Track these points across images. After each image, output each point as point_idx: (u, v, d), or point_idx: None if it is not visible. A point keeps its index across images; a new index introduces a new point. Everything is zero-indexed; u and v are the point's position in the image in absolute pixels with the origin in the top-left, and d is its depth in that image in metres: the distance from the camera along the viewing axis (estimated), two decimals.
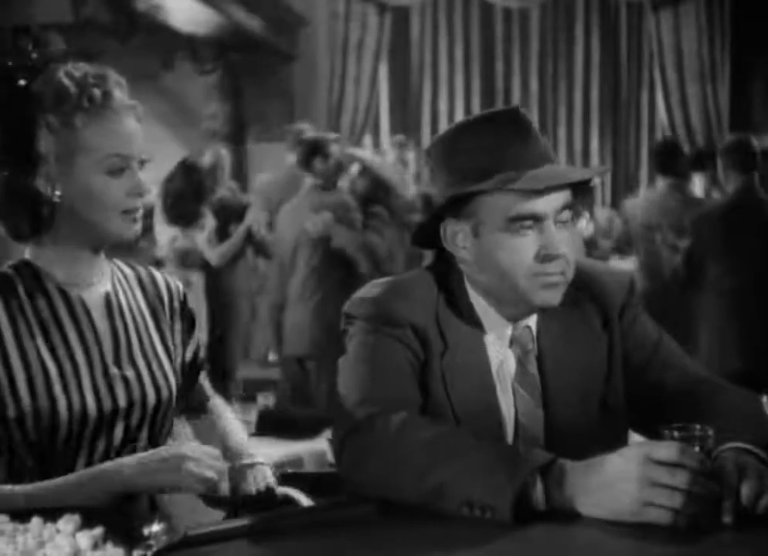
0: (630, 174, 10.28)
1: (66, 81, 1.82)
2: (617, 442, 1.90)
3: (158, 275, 2.06)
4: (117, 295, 1.96)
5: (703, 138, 9.43)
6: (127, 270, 2.01)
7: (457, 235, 1.93)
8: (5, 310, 1.83)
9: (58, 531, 1.34)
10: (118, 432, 1.88)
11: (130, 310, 1.97)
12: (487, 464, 1.61)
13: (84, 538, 1.32)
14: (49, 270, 1.89)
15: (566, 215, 1.88)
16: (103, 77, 1.85)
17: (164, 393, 1.94)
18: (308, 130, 6.85)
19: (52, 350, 1.84)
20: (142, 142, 1.89)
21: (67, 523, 1.35)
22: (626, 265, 6.93)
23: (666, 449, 1.54)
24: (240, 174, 8.94)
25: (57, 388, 1.81)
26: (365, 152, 6.85)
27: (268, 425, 4.88)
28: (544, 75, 10.22)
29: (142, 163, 1.89)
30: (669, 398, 1.93)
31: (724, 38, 9.76)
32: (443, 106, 10.16)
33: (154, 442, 1.93)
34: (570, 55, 10.23)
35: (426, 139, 9.91)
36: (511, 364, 1.94)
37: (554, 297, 1.90)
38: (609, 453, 1.60)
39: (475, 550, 1.51)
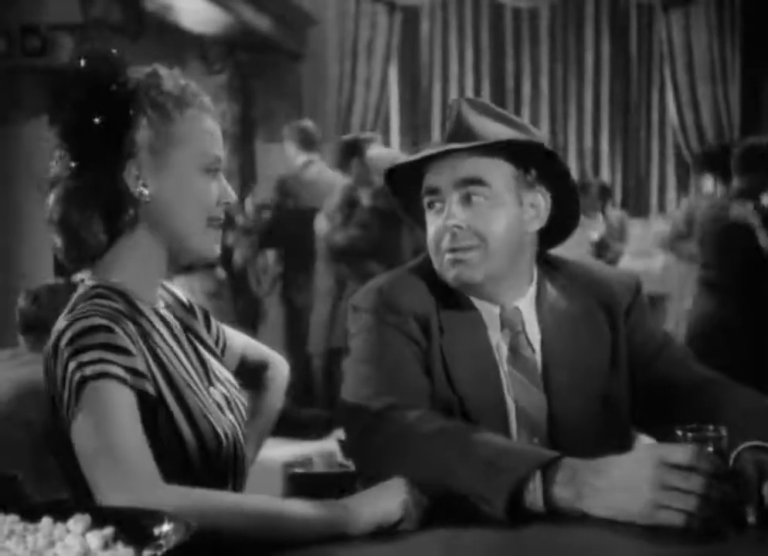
0: (640, 175, 10.26)
1: (162, 73, 1.76)
2: (620, 437, 1.92)
3: (168, 286, 1.93)
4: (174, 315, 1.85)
5: (714, 139, 9.40)
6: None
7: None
8: (142, 340, 1.68)
9: (68, 531, 1.34)
10: (240, 452, 1.80)
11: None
12: (490, 460, 1.62)
13: (94, 538, 1.31)
14: (131, 288, 1.74)
15: (476, 190, 1.93)
16: (186, 79, 1.80)
17: (246, 405, 1.88)
18: (311, 127, 6.88)
19: (181, 376, 1.72)
20: None
21: (77, 522, 1.35)
22: (638, 266, 6.93)
23: (681, 453, 1.54)
24: (248, 173, 8.95)
25: (209, 415, 1.71)
26: (386, 149, 6.84)
27: (277, 426, 4.89)
28: (554, 75, 10.21)
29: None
30: (676, 397, 1.94)
31: (735, 38, 9.73)
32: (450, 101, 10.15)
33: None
34: (580, 56, 10.21)
35: (437, 139, 9.89)
36: (504, 347, 1.96)
37: (462, 275, 1.94)
38: (616, 452, 1.61)
39: (483, 550, 1.51)
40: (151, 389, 1.62)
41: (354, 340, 1.95)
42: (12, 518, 1.37)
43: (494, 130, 1.95)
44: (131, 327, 1.66)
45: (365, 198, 5.77)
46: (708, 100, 9.65)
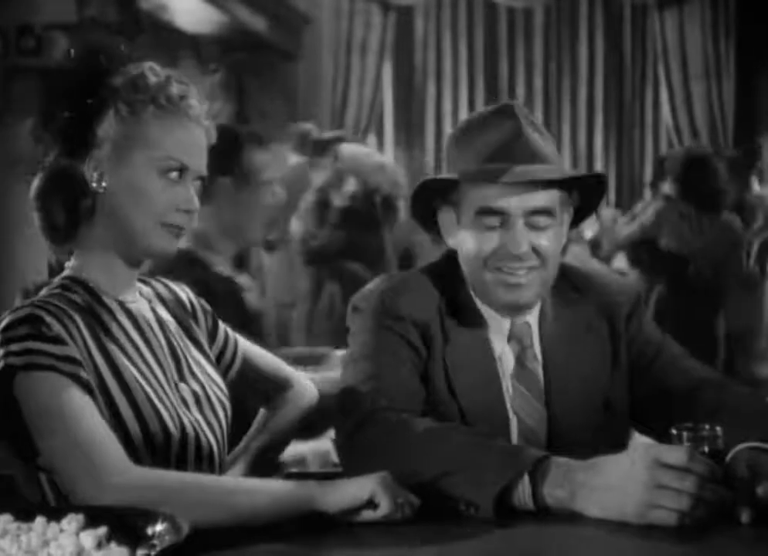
0: (634, 174, 10.26)
1: (149, 73, 1.75)
2: (620, 446, 1.91)
3: (171, 284, 1.96)
4: (156, 310, 1.87)
5: (707, 137, 9.41)
6: (139, 284, 1.88)
7: (446, 222, 1.98)
8: (89, 331, 1.70)
9: (62, 530, 1.34)
10: (204, 451, 1.79)
11: (170, 325, 1.88)
12: (477, 461, 1.62)
13: (88, 537, 1.31)
14: (97, 282, 1.77)
15: (543, 220, 1.88)
16: (187, 84, 1.78)
17: (227, 405, 1.88)
18: (314, 130, 6.85)
19: (137, 368, 1.73)
20: (205, 161, 1.79)
21: (71, 522, 1.35)
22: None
23: (675, 453, 1.54)
24: None
25: (161, 408, 1.72)
26: (359, 148, 6.70)
27: None
28: (548, 74, 10.22)
29: (201, 179, 1.80)
30: (675, 400, 1.94)
31: (729, 37, 9.75)
32: (447, 105, 10.15)
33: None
34: (574, 55, 10.22)
35: (431, 138, 9.92)
36: (509, 360, 1.95)
37: (518, 298, 1.91)
38: (614, 453, 1.60)
39: (475, 547, 1.51)
40: (84, 375, 1.64)
41: (353, 338, 1.95)
42: (6, 518, 1.38)
43: (548, 148, 1.94)
44: (77, 317, 1.70)
45: (337, 199, 5.73)
46: (702, 99, 9.67)
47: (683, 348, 2.04)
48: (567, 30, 10.22)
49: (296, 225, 5.93)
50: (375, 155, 5.84)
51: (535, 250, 1.89)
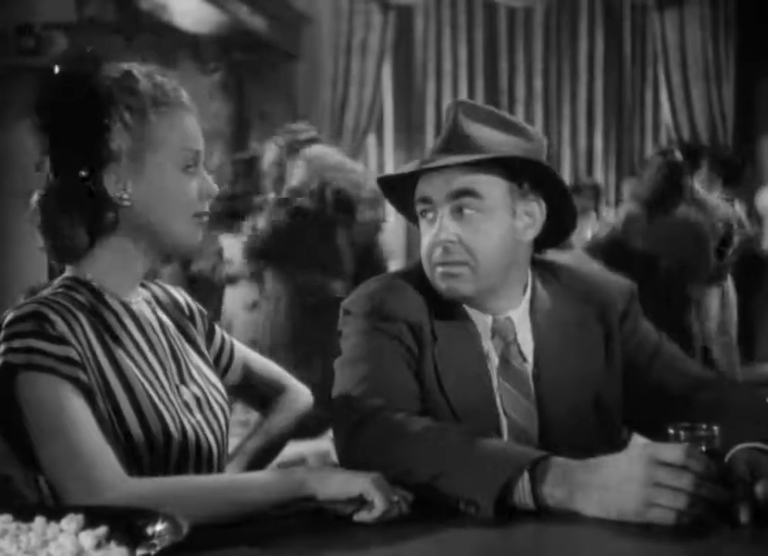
0: (634, 174, 10.25)
1: (138, 74, 1.75)
2: (612, 445, 1.92)
3: (168, 287, 1.96)
4: (156, 312, 1.87)
5: (707, 138, 9.41)
6: (139, 288, 1.88)
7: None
8: (93, 331, 1.71)
9: (61, 530, 1.34)
10: (205, 454, 1.80)
11: (170, 328, 1.88)
12: (476, 460, 1.63)
13: (88, 537, 1.32)
14: (101, 283, 1.77)
15: (468, 201, 1.91)
16: (167, 75, 1.79)
17: (226, 408, 1.88)
18: (308, 129, 6.83)
19: (140, 370, 1.73)
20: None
21: (70, 522, 1.35)
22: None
23: (672, 451, 1.54)
24: None
25: (164, 411, 1.72)
26: (326, 149, 6.56)
27: None
28: (548, 74, 10.20)
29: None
30: (673, 401, 1.94)
31: (729, 38, 9.74)
32: (447, 105, 10.14)
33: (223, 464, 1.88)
34: (574, 55, 10.21)
35: (431, 138, 9.90)
36: (495, 356, 1.96)
37: (453, 288, 1.94)
38: (610, 453, 1.61)
39: (477, 550, 1.51)
40: (83, 377, 1.64)
41: (345, 341, 1.96)
42: (5, 518, 1.38)
43: (491, 139, 1.93)
44: (81, 317, 1.69)
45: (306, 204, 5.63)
46: (702, 99, 9.66)
47: (680, 348, 2.05)
48: (567, 30, 10.21)
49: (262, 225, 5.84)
50: (339, 155, 5.73)
51: (465, 245, 1.92)
